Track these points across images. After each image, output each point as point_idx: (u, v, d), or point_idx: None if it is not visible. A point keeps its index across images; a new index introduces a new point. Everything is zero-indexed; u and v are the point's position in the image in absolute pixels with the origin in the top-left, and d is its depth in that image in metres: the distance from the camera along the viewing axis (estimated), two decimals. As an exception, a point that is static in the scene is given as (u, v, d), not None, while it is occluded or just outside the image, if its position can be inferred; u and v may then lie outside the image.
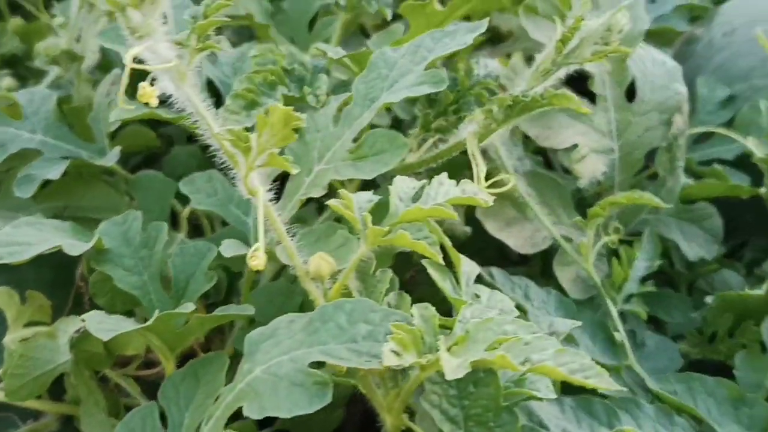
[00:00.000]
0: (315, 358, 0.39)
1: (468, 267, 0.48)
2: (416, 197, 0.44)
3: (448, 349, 0.36)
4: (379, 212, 0.44)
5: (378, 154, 0.51)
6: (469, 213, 0.67)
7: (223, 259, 0.55)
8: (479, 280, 0.52)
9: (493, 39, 0.77)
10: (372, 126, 0.53)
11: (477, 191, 0.45)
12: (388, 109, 0.66)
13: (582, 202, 0.70)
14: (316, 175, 0.54)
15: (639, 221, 0.72)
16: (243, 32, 0.84)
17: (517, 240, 0.66)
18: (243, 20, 0.76)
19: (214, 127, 0.43)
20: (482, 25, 0.59)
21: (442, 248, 0.47)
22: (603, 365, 0.57)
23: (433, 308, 0.39)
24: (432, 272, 0.44)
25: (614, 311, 0.63)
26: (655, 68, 0.70)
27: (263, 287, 0.59)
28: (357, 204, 0.44)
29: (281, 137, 0.40)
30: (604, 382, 0.35)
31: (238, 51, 0.70)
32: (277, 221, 0.45)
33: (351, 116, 0.54)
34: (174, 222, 0.69)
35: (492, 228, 0.66)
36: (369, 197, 0.45)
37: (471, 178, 0.63)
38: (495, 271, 0.62)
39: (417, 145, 0.58)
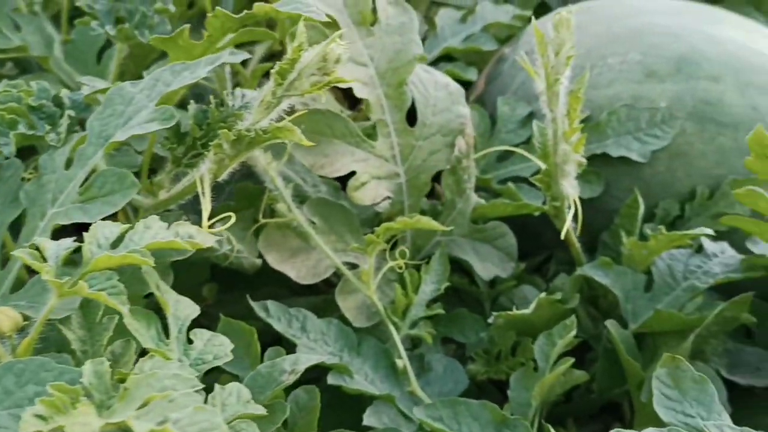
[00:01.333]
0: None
1: (185, 310, 0.46)
2: (116, 243, 0.42)
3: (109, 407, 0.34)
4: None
5: (107, 195, 0.49)
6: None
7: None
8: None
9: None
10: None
11: (194, 233, 0.43)
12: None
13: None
14: (49, 219, 0.51)
15: (433, 243, 0.72)
16: (31, 64, 0.80)
17: (300, 271, 0.65)
18: (20, 52, 0.73)
19: None
20: (238, 56, 0.58)
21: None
22: (377, 395, 0.58)
23: (108, 362, 0.37)
24: (129, 322, 0.42)
25: (397, 337, 0.63)
26: (438, 91, 0.71)
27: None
28: (54, 251, 0.41)
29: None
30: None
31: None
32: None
33: (84, 156, 0.51)
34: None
35: (273, 260, 0.64)
36: (68, 244, 0.42)
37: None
38: (270, 304, 0.61)
39: (170, 181, 0.56)
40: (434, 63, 0.93)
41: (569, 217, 0.62)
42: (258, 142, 0.48)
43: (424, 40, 0.95)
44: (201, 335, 0.45)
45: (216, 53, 0.58)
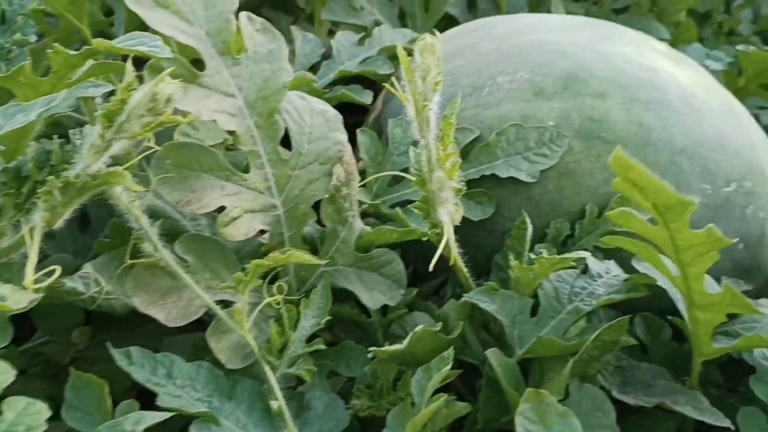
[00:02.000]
0: None
1: (-1, 377, 0.43)
2: None
3: None
4: None
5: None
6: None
7: None
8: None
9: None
10: None
11: (7, 293, 0.41)
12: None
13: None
14: None
15: (318, 274, 0.70)
16: None
17: (170, 312, 0.62)
18: None
19: None
20: (98, 88, 0.55)
21: None
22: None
23: None
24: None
25: (272, 378, 0.61)
26: (314, 119, 0.69)
27: None
28: None
29: None
30: None
31: None
32: None
33: None
34: None
35: (140, 303, 0.62)
36: None
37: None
38: (134, 350, 0.58)
39: (12, 228, 0.53)
40: (331, 86, 0.92)
41: (441, 245, 0.61)
42: (88, 189, 0.45)
43: (321, 63, 0.93)
44: (14, 405, 0.42)
45: (67, 87, 0.55)
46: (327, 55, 0.96)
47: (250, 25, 0.67)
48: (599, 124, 0.77)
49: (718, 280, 0.81)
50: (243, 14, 0.67)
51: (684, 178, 0.78)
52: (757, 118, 1.15)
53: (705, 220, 0.78)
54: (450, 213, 0.62)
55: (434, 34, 0.58)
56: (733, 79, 1.11)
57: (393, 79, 0.62)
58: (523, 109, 0.78)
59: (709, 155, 0.79)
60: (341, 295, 0.72)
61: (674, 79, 0.82)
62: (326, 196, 0.67)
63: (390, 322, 0.74)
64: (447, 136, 0.61)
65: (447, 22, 1.24)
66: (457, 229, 0.75)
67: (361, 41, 0.93)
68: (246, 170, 0.65)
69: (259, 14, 1.24)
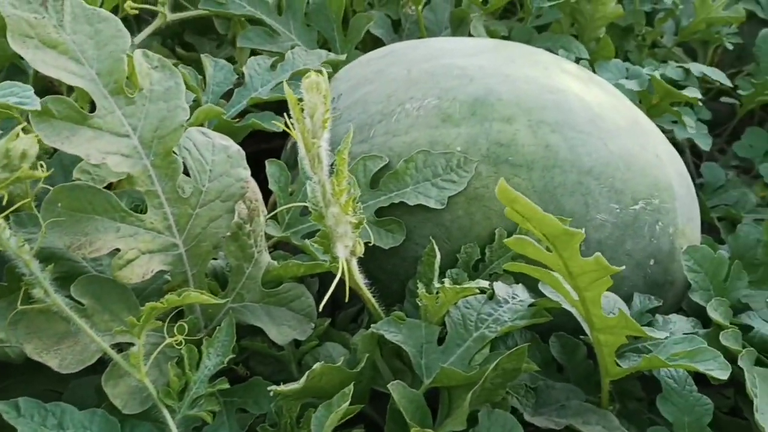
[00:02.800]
0: None
1: None
2: None
3: None
4: None
5: None
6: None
7: None
8: None
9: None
10: None
11: None
12: None
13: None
14: None
15: (225, 311, 0.70)
16: None
17: (64, 359, 0.61)
18: None
19: None
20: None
21: None
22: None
23: None
24: None
25: (171, 422, 0.60)
26: (215, 155, 0.68)
27: None
28: None
29: None
30: None
31: None
32: None
33: None
34: None
35: (32, 350, 0.60)
36: None
37: None
38: (22, 401, 0.57)
39: None
40: (243, 114, 0.91)
41: (335, 280, 0.61)
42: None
43: (233, 90, 0.93)
44: None
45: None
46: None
47: (146, 63, 0.66)
48: (507, 148, 0.78)
49: (631, 296, 0.83)
50: (138, 52, 0.66)
51: (592, 198, 0.79)
52: (672, 132, 1.18)
53: (615, 239, 0.80)
54: (348, 247, 0.62)
55: (321, 73, 0.58)
56: (647, 96, 1.14)
57: (285, 116, 0.62)
58: (431, 136, 0.79)
59: (616, 174, 0.80)
60: (255, 328, 0.71)
61: (581, 100, 0.83)
62: (228, 233, 0.67)
63: (303, 354, 0.73)
64: (340, 172, 0.61)
65: (375, 43, 1.25)
66: (370, 256, 0.76)
67: (273, 66, 0.93)
68: (145, 210, 0.65)
69: (181, 39, 1.24)
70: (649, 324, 0.79)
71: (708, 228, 1.21)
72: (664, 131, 1.29)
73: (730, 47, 1.33)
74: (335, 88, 0.88)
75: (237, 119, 0.91)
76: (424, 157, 0.78)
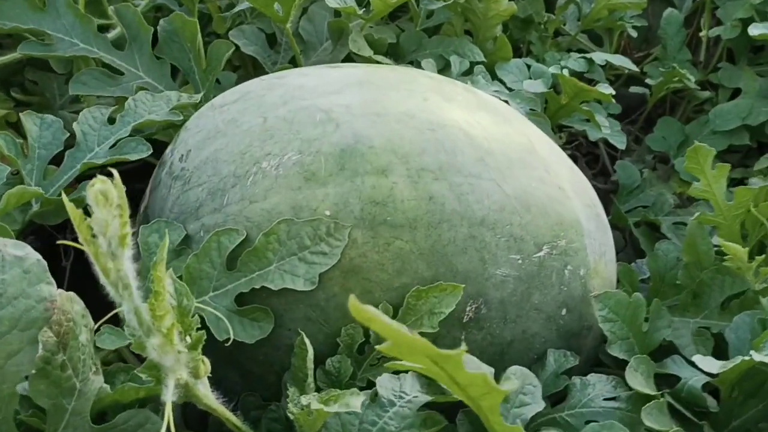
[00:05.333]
0: None
1: None
2: None
3: None
4: None
5: None
6: None
7: None
8: None
9: None
10: None
11: None
12: None
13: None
14: None
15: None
16: None
17: None
18: None
19: None
20: None
21: None
22: None
23: None
24: None
25: None
26: (6, 272, 0.54)
27: None
28: None
29: None
30: None
31: None
32: None
33: None
34: None
35: None
36: None
37: None
38: None
39: None
40: (79, 180, 0.77)
41: (164, 425, 0.48)
42: None
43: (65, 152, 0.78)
44: None
45: None
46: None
47: None
48: (384, 206, 0.66)
49: (543, 354, 0.73)
50: None
51: (488, 252, 0.68)
52: (583, 133, 1.08)
53: (519, 294, 0.69)
54: (182, 379, 0.50)
55: (110, 176, 0.44)
56: (554, 98, 1.03)
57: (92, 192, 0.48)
58: (294, 200, 0.66)
59: (513, 220, 0.69)
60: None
61: (466, 135, 0.72)
62: (33, 370, 0.53)
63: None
64: (158, 293, 0.48)
65: (254, 64, 1.11)
66: (238, 346, 0.64)
67: (111, 119, 0.78)
68: None
69: (21, 76, 1.07)
70: (566, 389, 0.70)
71: (625, 236, 1.13)
72: (574, 133, 1.20)
73: (635, 34, 1.24)
74: (184, 141, 0.75)
75: (73, 187, 0.76)
76: (287, 227, 0.65)
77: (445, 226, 0.67)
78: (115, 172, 0.45)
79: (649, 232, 1.07)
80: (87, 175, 0.77)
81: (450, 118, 0.73)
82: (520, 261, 0.69)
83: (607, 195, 1.21)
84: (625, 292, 0.72)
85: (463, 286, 0.65)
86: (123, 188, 0.45)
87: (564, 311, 0.73)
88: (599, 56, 1.13)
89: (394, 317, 0.65)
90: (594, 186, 0.86)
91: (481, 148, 0.72)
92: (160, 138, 0.89)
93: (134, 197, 0.82)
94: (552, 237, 0.71)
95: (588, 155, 1.38)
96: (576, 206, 0.76)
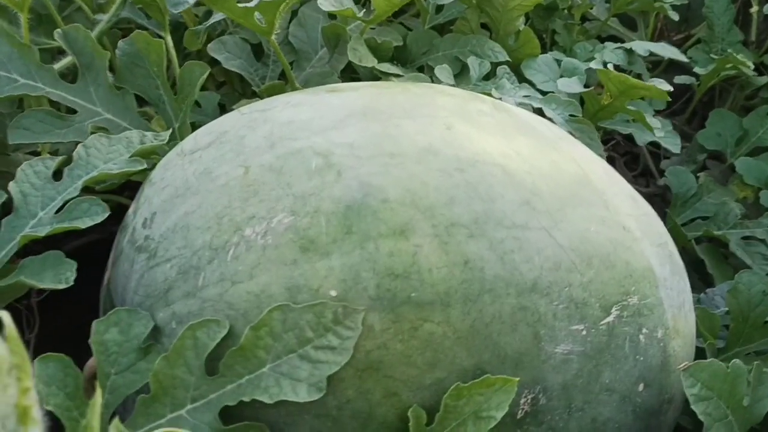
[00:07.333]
0: None
1: None
2: None
3: None
4: None
5: None
6: None
7: None
8: None
9: None
10: None
11: None
12: None
13: None
14: None
15: None
16: None
17: None
18: None
19: None
20: None
21: None
22: None
23: None
24: None
25: None
26: None
27: None
28: None
29: None
30: None
31: None
32: None
33: None
34: None
35: None
36: None
37: None
38: None
39: None
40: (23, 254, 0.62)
41: None
42: None
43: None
44: None
45: None
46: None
47: None
48: (406, 279, 0.50)
49: (618, 442, 0.57)
50: None
51: (544, 326, 0.52)
52: (629, 135, 0.92)
53: (586, 375, 0.54)
54: None
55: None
56: (593, 98, 0.87)
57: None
58: (289, 278, 0.51)
59: (572, 279, 0.54)
60: None
61: (505, 172, 0.56)
62: None
63: None
64: None
65: (242, 81, 0.96)
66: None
67: (57, 173, 0.63)
68: None
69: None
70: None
71: (686, 258, 0.96)
72: (610, 130, 1.03)
73: (676, 16, 1.07)
74: (148, 200, 0.59)
75: (14, 263, 0.61)
76: (281, 315, 0.50)
77: (487, 298, 0.51)
78: (5, 314, 0.30)
79: (715, 250, 0.91)
80: (32, 249, 0.62)
81: (482, 150, 0.57)
82: (584, 332, 0.54)
83: (652, 200, 1.04)
84: (721, 362, 0.56)
85: (517, 379, 0.50)
86: (17, 339, 0.29)
87: (641, 387, 0.57)
88: (640, 46, 0.97)
89: (428, 425, 0.50)
90: (636, 191, 0.70)
91: (524, 187, 0.56)
92: (136, 179, 0.74)
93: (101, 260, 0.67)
94: (621, 295, 0.56)
95: (626, 155, 1.22)
96: (646, 249, 0.60)
